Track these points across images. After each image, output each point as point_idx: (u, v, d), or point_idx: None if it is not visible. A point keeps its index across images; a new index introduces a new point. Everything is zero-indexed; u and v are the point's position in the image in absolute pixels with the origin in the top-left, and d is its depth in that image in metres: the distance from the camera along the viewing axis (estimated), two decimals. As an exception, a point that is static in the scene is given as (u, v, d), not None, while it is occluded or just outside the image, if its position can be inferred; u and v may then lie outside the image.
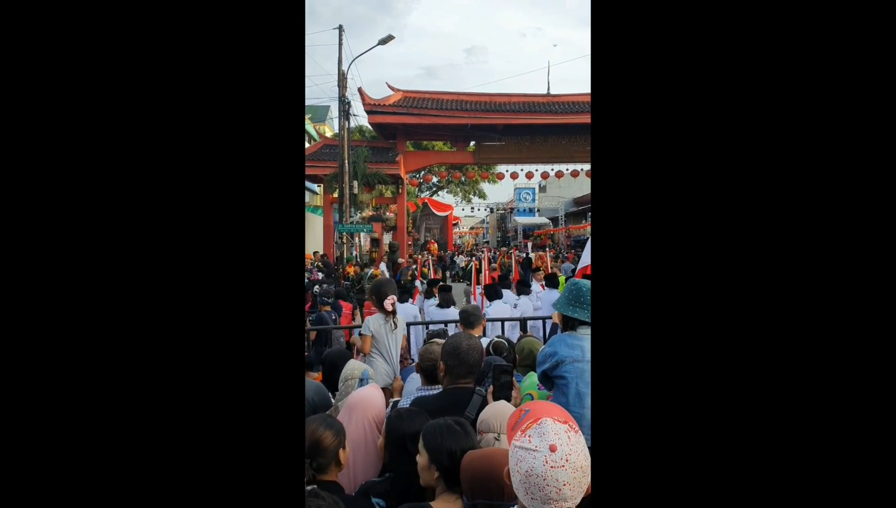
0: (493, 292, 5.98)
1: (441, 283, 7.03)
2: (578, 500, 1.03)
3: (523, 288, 6.66)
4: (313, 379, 2.80)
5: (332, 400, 2.46)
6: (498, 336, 3.49)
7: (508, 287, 6.41)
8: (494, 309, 5.63)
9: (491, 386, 1.95)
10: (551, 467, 1.01)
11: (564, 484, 1.01)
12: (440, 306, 5.61)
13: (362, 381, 2.45)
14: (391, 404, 2.31)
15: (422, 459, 1.47)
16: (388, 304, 3.66)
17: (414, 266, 10.69)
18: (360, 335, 3.70)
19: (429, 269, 8.78)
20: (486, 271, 6.25)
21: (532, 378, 2.36)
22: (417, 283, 6.62)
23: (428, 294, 5.92)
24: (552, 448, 1.01)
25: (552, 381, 2.12)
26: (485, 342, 3.31)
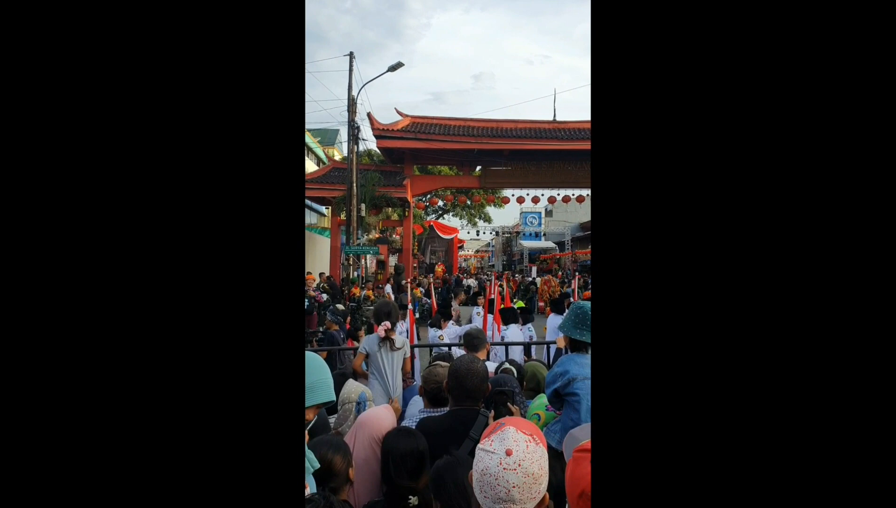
0: (510, 316, 5.94)
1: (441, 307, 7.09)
2: (528, 506, 1.08)
3: (527, 316, 6.65)
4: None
5: (330, 423, 2.40)
6: (510, 361, 3.46)
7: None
8: (512, 333, 5.59)
9: (492, 411, 1.94)
10: (504, 468, 1.06)
11: (514, 486, 1.05)
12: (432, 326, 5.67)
13: (359, 405, 2.39)
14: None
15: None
16: (380, 331, 3.59)
17: (420, 289, 10.59)
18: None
19: (427, 296, 8.49)
20: (497, 297, 6.22)
21: (540, 399, 2.33)
22: (410, 306, 6.62)
23: (433, 324, 5.99)
24: (508, 452, 1.07)
25: (562, 400, 2.11)
26: (491, 366, 3.27)
